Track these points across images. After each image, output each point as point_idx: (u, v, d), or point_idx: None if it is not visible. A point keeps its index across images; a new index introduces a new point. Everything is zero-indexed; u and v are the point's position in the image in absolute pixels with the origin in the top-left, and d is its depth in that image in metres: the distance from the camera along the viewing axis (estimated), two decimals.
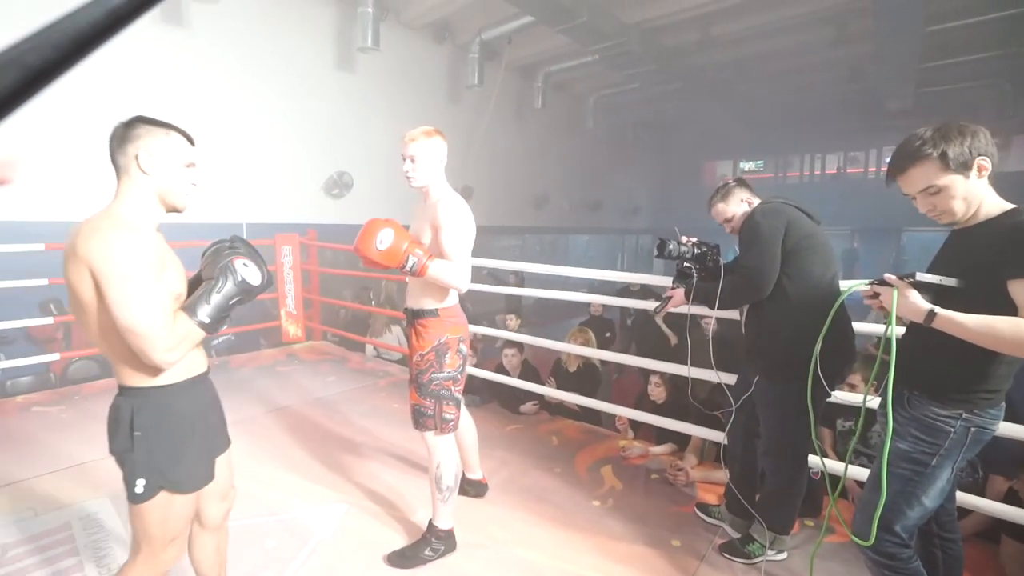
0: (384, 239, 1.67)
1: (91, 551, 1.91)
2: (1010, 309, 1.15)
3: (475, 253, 1.92)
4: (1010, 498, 1.97)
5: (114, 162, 1.20)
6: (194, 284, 1.31)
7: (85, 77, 4.63)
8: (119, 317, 1.10)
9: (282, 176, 6.37)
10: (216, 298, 1.20)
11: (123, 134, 1.19)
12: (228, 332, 5.23)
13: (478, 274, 3.63)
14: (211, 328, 1.20)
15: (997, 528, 1.96)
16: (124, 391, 1.22)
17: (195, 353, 1.31)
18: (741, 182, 1.99)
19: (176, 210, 1.27)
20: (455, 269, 1.75)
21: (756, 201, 1.95)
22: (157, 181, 1.21)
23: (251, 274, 1.26)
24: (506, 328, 4.38)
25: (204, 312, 1.19)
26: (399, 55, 7.37)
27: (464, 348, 1.90)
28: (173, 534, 1.28)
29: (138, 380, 1.21)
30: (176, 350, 1.15)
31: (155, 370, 1.19)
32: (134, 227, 1.15)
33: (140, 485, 1.20)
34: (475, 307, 5.84)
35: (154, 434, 1.22)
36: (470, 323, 2.05)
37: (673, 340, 4.62)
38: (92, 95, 4.58)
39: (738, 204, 1.95)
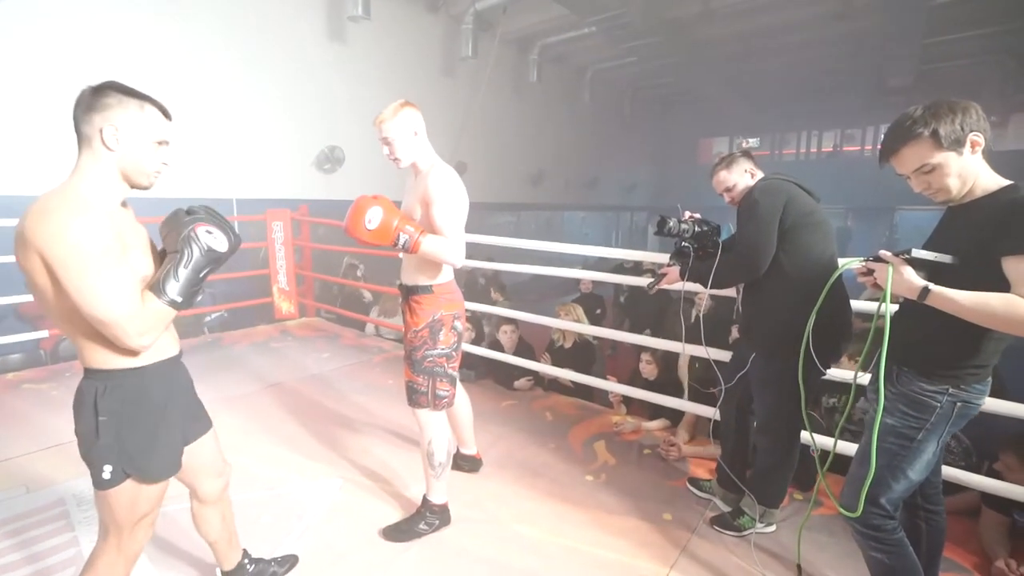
0: (373, 217, 1.63)
1: (85, 527, 1.92)
2: (1004, 285, 1.15)
3: (469, 230, 1.89)
4: (990, 474, 2.02)
5: (77, 130, 1.12)
6: (163, 260, 1.25)
7: (71, 48, 4.48)
8: (83, 306, 1.05)
9: (272, 151, 6.25)
10: (184, 272, 1.14)
11: (90, 101, 1.10)
12: (221, 308, 5.21)
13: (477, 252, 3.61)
14: (183, 305, 1.15)
15: (977, 498, 2.01)
16: (89, 373, 1.18)
17: (165, 335, 1.26)
18: (746, 153, 1.96)
19: (141, 188, 1.20)
20: (448, 244, 1.72)
21: (759, 174, 1.93)
22: (123, 158, 1.13)
23: (217, 240, 1.19)
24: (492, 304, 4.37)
25: (173, 289, 1.13)
26: (391, 26, 7.17)
27: (459, 325, 1.89)
28: (141, 515, 1.25)
29: (103, 362, 1.16)
30: (149, 333, 1.11)
31: (122, 351, 1.15)
32: (90, 207, 1.06)
33: (107, 471, 1.17)
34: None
35: (121, 418, 1.17)
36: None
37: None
38: (80, 67, 4.44)
39: (741, 174, 1.93)
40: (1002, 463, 1.98)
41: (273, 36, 6.05)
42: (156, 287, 1.13)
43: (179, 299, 1.14)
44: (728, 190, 1.95)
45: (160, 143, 1.19)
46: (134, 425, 1.20)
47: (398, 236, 1.66)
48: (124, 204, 1.22)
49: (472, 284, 5.88)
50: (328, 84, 6.64)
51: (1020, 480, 1.87)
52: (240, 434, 2.67)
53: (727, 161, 1.95)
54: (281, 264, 4.87)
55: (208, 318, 5.47)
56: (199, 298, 1.23)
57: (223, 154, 5.74)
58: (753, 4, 7.22)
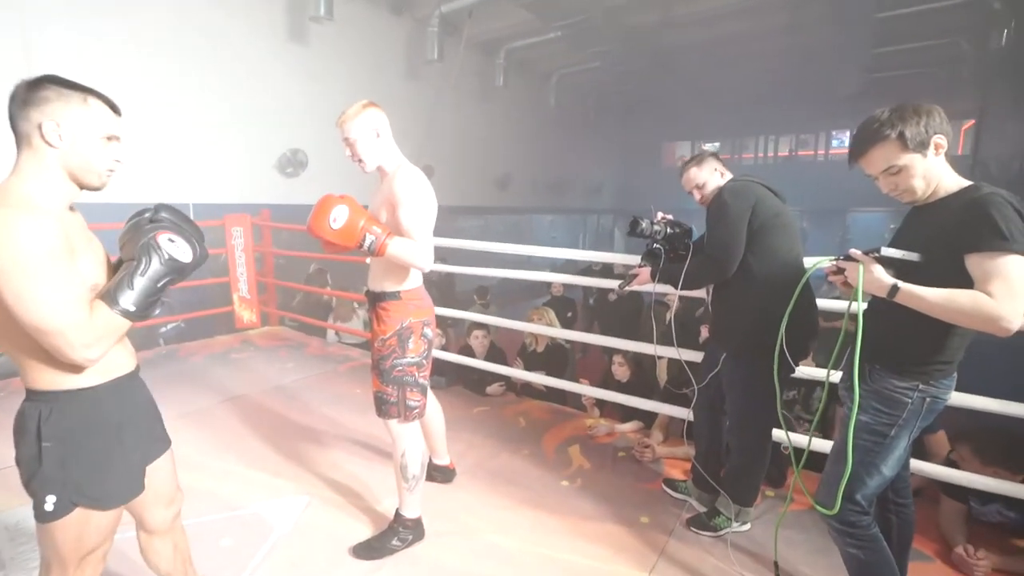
0: (338, 216, 1.56)
1: (18, 564, 1.75)
2: (967, 282, 1.18)
3: (437, 234, 1.83)
4: (948, 464, 2.10)
5: (13, 128, 1.02)
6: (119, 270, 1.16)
7: (11, 50, 4.19)
8: (22, 315, 0.95)
9: (232, 153, 5.99)
10: (140, 281, 1.05)
11: (26, 96, 1.01)
12: (177, 319, 4.95)
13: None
14: (137, 316, 1.06)
15: (936, 488, 2.09)
16: (32, 395, 1.07)
17: (119, 350, 1.16)
18: (714, 155, 1.99)
19: (92, 188, 1.10)
20: (416, 247, 1.66)
21: (728, 174, 1.96)
22: (67, 156, 1.04)
23: (179, 250, 1.11)
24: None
25: (128, 299, 1.04)
26: (354, 27, 7.02)
27: (429, 332, 1.83)
28: (90, 549, 1.14)
29: (48, 383, 1.06)
30: (96, 345, 1.01)
31: (69, 370, 1.05)
32: (32, 207, 0.97)
33: (50, 502, 1.06)
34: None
35: (68, 444, 1.07)
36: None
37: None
38: (22, 69, 4.16)
39: (711, 172, 1.95)
40: (957, 454, 2.06)
41: (232, 35, 5.83)
42: (108, 296, 1.04)
43: (132, 309, 1.05)
44: (699, 187, 1.96)
45: (109, 138, 1.09)
46: (83, 450, 1.09)
47: (364, 237, 1.58)
48: (72, 208, 1.11)
49: (448, 288, 5.80)
50: (289, 86, 6.43)
51: (974, 470, 1.95)
52: (196, 452, 2.52)
53: (697, 160, 1.97)
54: (241, 271, 4.67)
55: (163, 329, 5.18)
56: (157, 311, 1.14)
57: (179, 157, 5.46)
58: (712, 14, 7.44)
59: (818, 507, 1.39)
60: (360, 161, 1.69)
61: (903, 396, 1.31)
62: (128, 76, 4.94)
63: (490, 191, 10.39)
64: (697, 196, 1.99)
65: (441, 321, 3.67)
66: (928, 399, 1.31)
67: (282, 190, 6.53)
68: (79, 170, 1.06)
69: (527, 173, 11.17)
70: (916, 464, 1.93)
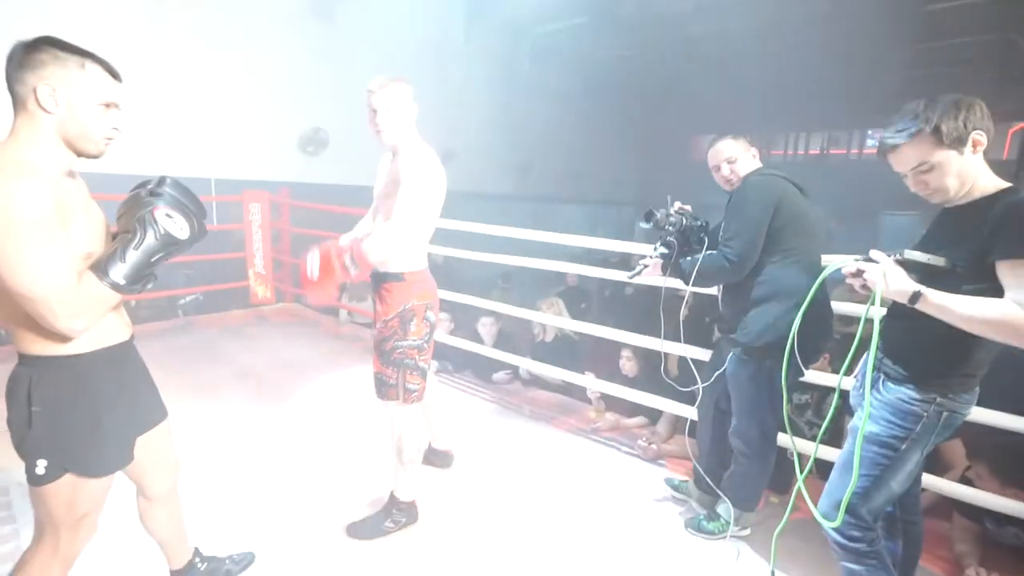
0: (311, 265, 1.59)
1: (30, 518, 1.79)
2: (999, 291, 1.10)
3: (460, 217, 1.79)
4: (963, 481, 2.00)
5: (10, 90, 1.01)
6: None
7: (38, 25, 4.26)
8: (8, 280, 0.94)
9: (254, 130, 6.04)
10: (133, 255, 1.04)
11: (22, 58, 0.99)
12: (196, 291, 5.04)
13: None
14: (127, 289, 1.05)
15: (949, 506, 2.00)
16: (24, 360, 1.08)
17: (114, 318, 1.16)
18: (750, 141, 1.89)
19: (89, 156, 1.08)
20: (390, 234, 1.60)
21: (758, 164, 1.85)
22: (63, 122, 1.02)
23: (176, 226, 1.10)
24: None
25: (118, 272, 1.03)
26: (380, 5, 6.97)
27: (432, 316, 1.80)
28: (82, 515, 1.15)
29: (39, 348, 1.06)
30: (82, 316, 1.01)
31: (59, 337, 1.05)
32: (25, 170, 0.96)
33: (41, 466, 1.07)
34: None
35: (58, 410, 1.08)
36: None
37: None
38: None
39: (746, 149, 1.82)
40: (974, 471, 1.97)
41: (257, 12, 5.84)
42: (98, 267, 1.03)
43: (122, 282, 1.04)
44: (730, 161, 1.82)
45: (108, 105, 1.07)
46: (73, 416, 1.10)
47: (343, 261, 1.58)
48: (72, 175, 1.10)
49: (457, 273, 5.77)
50: (313, 64, 6.43)
51: (992, 490, 1.85)
52: (201, 423, 2.56)
53: (734, 134, 1.84)
54: (258, 247, 4.72)
55: (183, 300, 5.29)
56: (149, 285, 1.13)
57: (201, 132, 5.53)
58: (746, 2, 7.16)
59: (819, 518, 1.33)
60: (379, 132, 1.66)
61: (918, 409, 1.24)
62: (151, 51, 4.98)
63: (511, 178, 10.30)
64: (727, 171, 1.83)
65: (451, 306, 3.65)
66: (945, 414, 1.23)
67: (302, 168, 6.57)
68: (75, 137, 1.04)
69: (549, 161, 11.04)
70: (929, 480, 1.84)
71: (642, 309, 4.98)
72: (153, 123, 5.11)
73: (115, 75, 1.09)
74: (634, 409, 2.91)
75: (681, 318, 2.14)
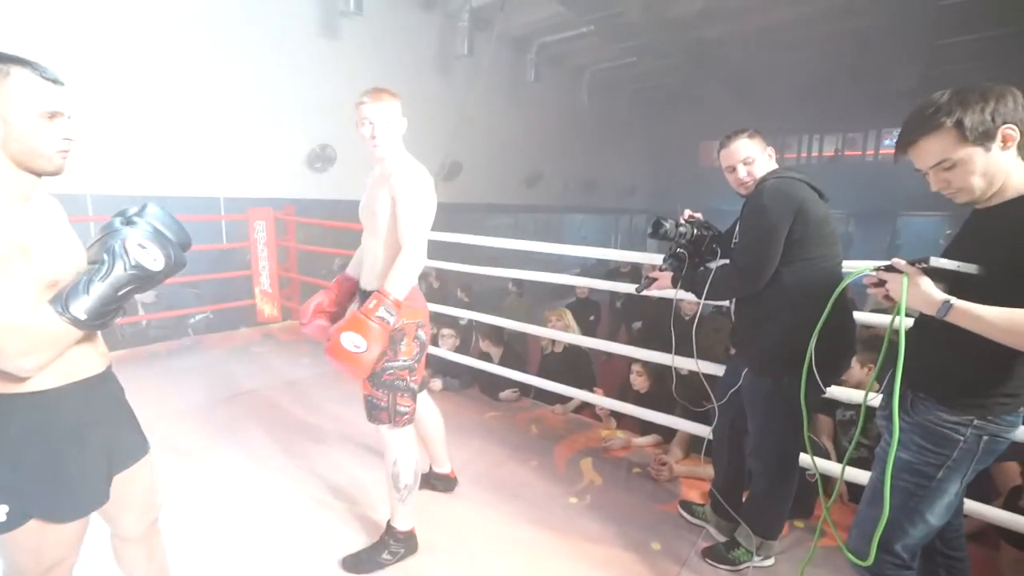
0: (358, 343, 1.50)
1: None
2: None
3: (466, 231, 1.72)
4: (1010, 500, 1.84)
5: None
6: None
7: (50, 40, 4.32)
8: None
9: (262, 148, 6.08)
10: (99, 287, 0.96)
11: None
12: (204, 310, 5.04)
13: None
14: (88, 325, 0.97)
15: (995, 533, 1.84)
16: None
17: (86, 351, 1.08)
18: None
19: (47, 174, 1.00)
20: (406, 265, 1.57)
21: (775, 165, 1.73)
22: (4, 142, 0.94)
23: (148, 257, 1.02)
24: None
25: (80, 306, 0.95)
26: (385, 21, 7.01)
27: (423, 334, 1.72)
28: (51, 564, 1.07)
29: None
30: (33, 354, 0.92)
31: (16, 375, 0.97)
32: None
33: (2, 512, 0.99)
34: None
35: (19, 451, 1.00)
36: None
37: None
38: (59, 59, 4.28)
39: (763, 149, 1.70)
40: None
41: (263, 31, 5.89)
42: (59, 300, 0.95)
43: (83, 317, 0.96)
44: (746, 162, 1.69)
45: (52, 115, 0.97)
46: (36, 458, 1.02)
47: (383, 317, 1.52)
48: (29, 197, 1.04)
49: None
50: (320, 81, 6.47)
51: None
52: (196, 446, 2.49)
53: (750, 132, 1.72)
54: (263, 265, 4.70)
55: (193, 319, 5.30)
56: (116, 319, 1.05)
57: (210, 152, 5.56)
58: (755, 2, 7.04)
59: (849, 555, 1.20)
60: (376, 145, 1.63)
61: (953, 432, 1.11)
62: (159, 70, 5.04)
63: (520, 189, 10.25)
64: (743, 173, 1.69)
65: (453, 322, 3.57)
66: (986, 438, 1.10)
67: (310, 184, 6.59)
68: (22, 155, 0.96)
69: (558, 171, 10.98)
70: (972, 506, 1.69)
71: (655, 320, 4.84)
72: (163, 144, 5.17)
73: (54, 80, 0.99)
74: (646, 426, 2.79)
75: (693, 332, 2.03)
